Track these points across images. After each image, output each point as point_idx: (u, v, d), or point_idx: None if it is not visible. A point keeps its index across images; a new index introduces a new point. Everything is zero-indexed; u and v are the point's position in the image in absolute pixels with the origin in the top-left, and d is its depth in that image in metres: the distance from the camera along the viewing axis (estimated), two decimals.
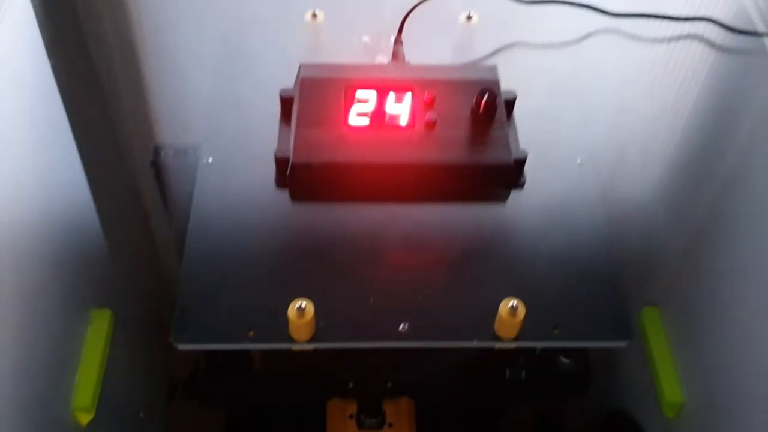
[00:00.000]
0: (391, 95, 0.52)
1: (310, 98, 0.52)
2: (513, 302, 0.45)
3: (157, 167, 0.67)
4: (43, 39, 0.56)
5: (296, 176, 0.50)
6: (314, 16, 0.63)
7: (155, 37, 0.70)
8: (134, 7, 0.72)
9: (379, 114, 0.52)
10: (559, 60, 0.64)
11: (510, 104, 0.55)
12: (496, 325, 0.46)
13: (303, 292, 0.46)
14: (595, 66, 0.64)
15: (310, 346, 0.46)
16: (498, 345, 0.47)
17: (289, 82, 0.56)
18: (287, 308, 0.44)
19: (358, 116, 0.51)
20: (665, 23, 0.65)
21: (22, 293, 0.49)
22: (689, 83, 0.65)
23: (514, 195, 0.53)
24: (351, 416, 0.73)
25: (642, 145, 0.66)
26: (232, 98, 0.59)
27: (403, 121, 0.52)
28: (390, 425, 0.75)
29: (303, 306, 0.44)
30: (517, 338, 0.46)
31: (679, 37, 0.65)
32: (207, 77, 0.62)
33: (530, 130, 0.56)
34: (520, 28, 0.65)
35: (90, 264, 0.67)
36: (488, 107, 0.51)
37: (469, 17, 0.64)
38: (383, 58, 0.61)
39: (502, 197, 0.52)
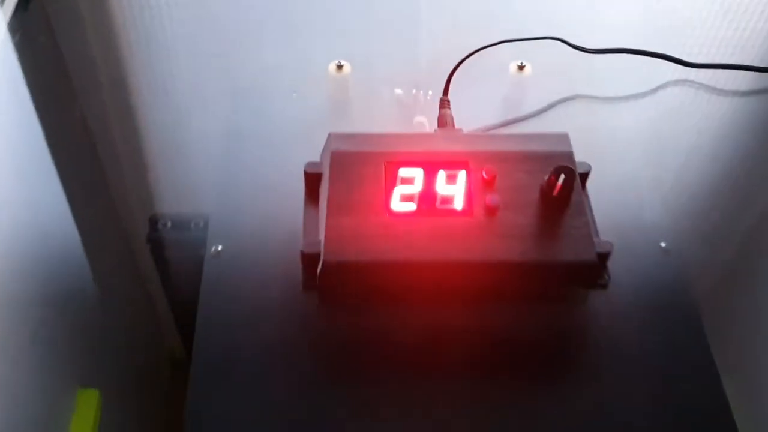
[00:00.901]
0: (442, 174, 0.42)
1: (343, 177, 0.42)
2: None
3: (153, 242, 0.57)
4: (32, 95, 0.48)
5: (329, 278, 0.40)
6: (339, 67, 0.54)
7: (157, 88, 0.60)
8: (133, 53, 0.62)
9: (427, 197, 0.42)
10: (628, 116, 0.54)
11: (583, 179, 0.45)
12: None
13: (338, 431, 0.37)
14: (672, 123, 0.55)
15: None
16: None
17: (311, 146, 0.46)
18: None
19: (402, 200, 0.42)
20: (749, 74, 0.55)
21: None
22: None
23: (596, 296, 0.43)
24: None
25: (723, 211, 0.57)
26: (244, 167, 0.50)
27: (458, 206, 0.42)
28: None
29: None
30: None
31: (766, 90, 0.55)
32: (214, 139, 0.52)
33: (602, 205, 0.46)
34: (580, 79, 0.56)
35: (80, 339, 0.59)
36: (564, 189, 0.41)
37: (521, 67, 0.55)
38: (422, 118, 0.52)
39: (581, 300, 0.43)
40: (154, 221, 0.58)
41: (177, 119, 0.57)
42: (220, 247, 0.45)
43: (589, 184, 0.46)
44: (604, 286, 0.42)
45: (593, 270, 0.41)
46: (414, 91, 0.54)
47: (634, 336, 0.42)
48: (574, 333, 0.42)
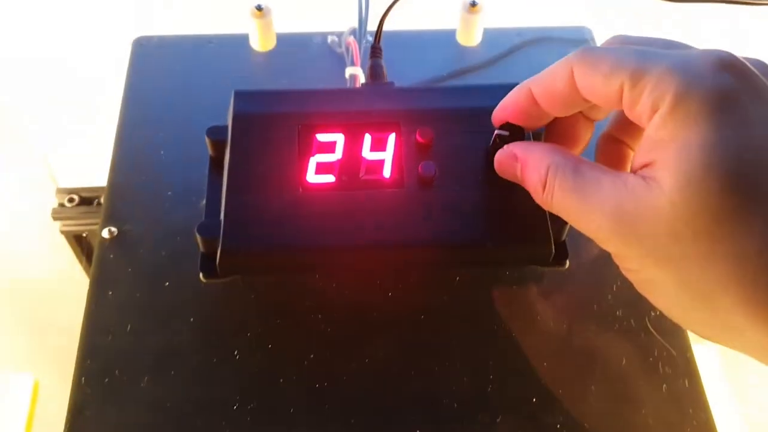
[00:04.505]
0: (367, 138, 0.35)
1: (247, 145, 0.35)
2: None
3: (62, 219, 0.50)
4: None
5: (230, 267, 0.34)
6: (259, 10, 0.46)
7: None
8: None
9: (350, 167, 0.35)
10: None
11: (541, 138, 0.38)
12: None
13: None
14: None
15: None
16: None
17: (224, 106, 0.39)
18: None
19: (319, 172, 0.35)
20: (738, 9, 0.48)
21: None
22: None
23: (552, 275, 0.37)
24: None
25: None
26: (147, 132, 0.43)
27: (386, 176, 0.35)
28: None
29: None
30: None
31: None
32: (112, 98, 0.45)
33: None
34: (546, 19, 0.48)
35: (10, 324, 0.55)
36: None
37: (473, 4, 0.47)
38: (356, 69, 0.44)
39: (534, 279, 0.36)
40: (61, 196, 0.51)
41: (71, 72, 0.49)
42: (114, 230, 0.39)
43: None
44: (561, 264, 0.36)
45: (546, 248, 0.35)
46: (350, 37, 0.47)
47: (599, 317, 0.36)
48: (527, 318, 0.36)
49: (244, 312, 0.35)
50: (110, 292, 0.35)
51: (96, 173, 0.49)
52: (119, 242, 0.38)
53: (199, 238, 0.34)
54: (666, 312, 0.28)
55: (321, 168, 0.35)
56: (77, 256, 0.51)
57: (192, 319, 0.34)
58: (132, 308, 0.35)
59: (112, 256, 0.37)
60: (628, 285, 0.36)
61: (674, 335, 0.35)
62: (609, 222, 0.26)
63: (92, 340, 0.34)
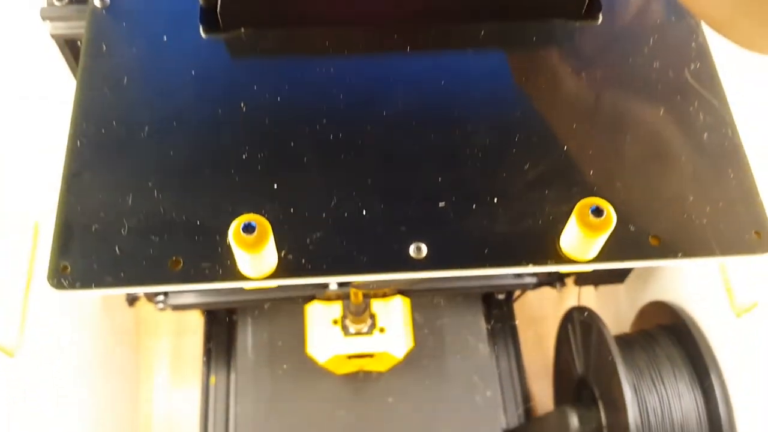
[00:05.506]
0: None
1: None
2: (596, 205, 0.27)
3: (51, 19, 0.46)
4: None
5: (231, 16, 0.31)
6: None
7: None
8: None
9: None
10: None
11: None
12: (565, 242, 0.29)
13: (254, 202, 0.29)
14: None
15: (270, 284, 0.29)
16: (565, 269, 0.30)
17: None
18: (227, 228, 0.27)
19: None
20: None
21: None
22: None
23: (584, 30, 0.34)
24: (334, 322, 0.64)
25: None
26: None
27: None
28: (382, 330, 0.65)
29: (253, 225, 0.27)
30: (596, 257, 0.29)
31: None
32: None
33: None
34: None
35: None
36: None
37: None
38: None
39: (567, 36, 0.33)
40: None
41: None
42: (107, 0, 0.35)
43: None
44: (594, 17, 0.33)
45: None
46: None
47: (635, 71, 0.33)
48: (557, 75, 0.33)
49: (250, 69, 0.32)
50: (104, 47, 0.32)
51: None
52: (113, 8, 0.34)
53: None
54: (709, 21, 0.26)
55: None
56: (70, 67, 0.48)
57: (194, 73, 0.32)
58: (129, 61, 0.32)
59: (105, 14, 0.34)
60: (665, 37, 0.33)
61: (714, 87, 0.32)
62: None
63: (86, 97, 0.31)
